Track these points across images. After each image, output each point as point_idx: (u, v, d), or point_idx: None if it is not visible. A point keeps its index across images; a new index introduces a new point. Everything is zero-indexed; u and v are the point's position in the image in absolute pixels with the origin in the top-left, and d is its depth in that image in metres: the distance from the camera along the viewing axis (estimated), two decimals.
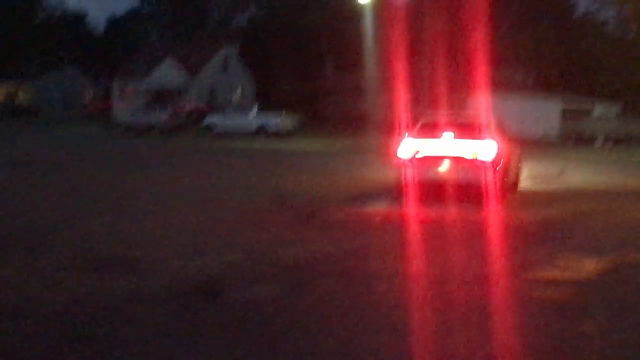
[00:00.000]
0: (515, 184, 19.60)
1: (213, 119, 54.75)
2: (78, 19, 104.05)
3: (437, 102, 64.28)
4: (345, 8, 77.87)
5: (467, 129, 17.05)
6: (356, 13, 65.14)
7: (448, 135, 16.79)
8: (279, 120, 52.66)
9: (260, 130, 51.93)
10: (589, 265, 10.48)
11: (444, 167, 16.62)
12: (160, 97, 74.30)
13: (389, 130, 56.79)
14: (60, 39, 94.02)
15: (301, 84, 70.96)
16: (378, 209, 16.34)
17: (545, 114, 59.49)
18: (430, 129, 17.27)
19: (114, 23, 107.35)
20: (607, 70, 61.83)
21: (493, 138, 16.84)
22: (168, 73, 75.56)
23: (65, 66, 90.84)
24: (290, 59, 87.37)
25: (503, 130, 18.59)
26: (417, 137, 17.10)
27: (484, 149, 16.52)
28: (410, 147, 16.86)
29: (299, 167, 26.94)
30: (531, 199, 18.61)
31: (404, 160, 16.82)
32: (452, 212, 15.49)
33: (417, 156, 16.74)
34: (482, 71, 78.96)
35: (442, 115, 19.21)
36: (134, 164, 26.60)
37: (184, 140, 48.49)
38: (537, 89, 73.93)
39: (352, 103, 66.37)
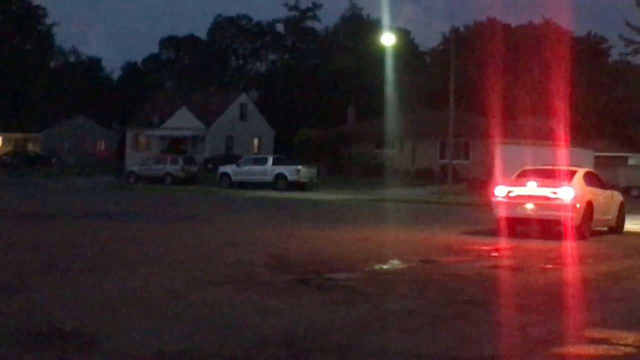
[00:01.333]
0: (618, 225, 22.63)
1: (227, 169, 52.09)
2: (93, 64, 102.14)
3: (466, 151, 61.51)
4: (368, 54, 75.40)
5: (553, 177, 20.80)
6: (380, 59, 62.24)
7: (537, 181, 20.39)
8: (297, 170, 49.74)
9: (278, 180, 49.23)
10: None
11: (531, 206, 19.98)
12: (175, 146, 71.79)
13: (414, 181, 54.43)
14: (74, 85, 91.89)
15: (322, 133, 67.99)
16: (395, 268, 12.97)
17: (578, 162, 56.08)
18: (523, 177, 21.33)
19: (130, 69, 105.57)
20: None
21: (572, 184, 20.19)
22: (183, 121, 72.94)
23: (77, 114, 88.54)
24: (310, 107, 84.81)
25: (596, 180, 22.33)
26: (512, 184, 20.95)
27: (563, 192, 19.75)
28: (505, 190, 20.58)
29: (311, 219, 23.71)
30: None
31: (499, 199, 20.46)
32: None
33: (510, 195, 20.33)
34: (514, 119, 75.97)
35: (535, 167, 23.18)
36: (135, 215, 23.63)
37: (196, 190, 45.92)
38: (570, 136, 70.56)
39: (375, 152, 63.29)
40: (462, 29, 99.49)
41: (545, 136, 66.57)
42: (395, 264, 14.16)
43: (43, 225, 19.62)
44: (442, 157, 59.54)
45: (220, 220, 22.58)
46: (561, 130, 76.28)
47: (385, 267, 13.68)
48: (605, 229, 22.08)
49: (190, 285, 10.95)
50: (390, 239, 18.95)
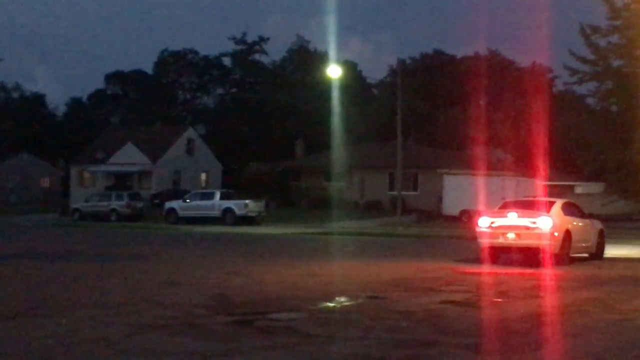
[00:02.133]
0: (598, 251, 23.91)
1: (174, 204, 51.27)
2: (37, 100, 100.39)
3: (415, 182, 61.37)
4: (316, 87, 75.30)
5: (532, 208, 22.27)
6: (327, 92, 62.01)
7: (518, 213, 21.69)
8: (245, 204, 49.07)
9: (226, 215, 48.52)
10: None
11: (512, 235, 21.34)
12: (121, 182, 70.65)
13: (364, 213, 54.03)
14: (17, 121, 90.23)
15: (270, 166, 67.44)
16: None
17: (526, 191, 56.30)
18: (505, 208, 22.84)
19: (75, 105, 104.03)
20: (589, 146, 58.93)
21: (551, 214, 21.50)
22: (129, 157, 71.84)
23: (22, 151, 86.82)
24: (258, 141, 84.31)
25: (575, 209, 23.66)
26: (494, 215, 22.31)
27: (542, 222, 21.10)
28: (487, 220, 21.87)
29: (257, 255, 23.10)
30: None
31: (483, 229, 21.73)
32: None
33: (493, 225, 21.60)
34: (462, 150, 76.16)
35: (516, 199, 25.89)
36: (73, 254, 22.81)
37: (142, 227, 45.04)
38: (517, 166, 70.89)
39: (324, 185, 62.87)
40: (408, 61, 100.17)
41: (493, 167, 66.81)
42: (342, 301, 13.64)
43: None
44: (391, 188, 59.32)
45: (162, 259, 21.83)
46: (510, 160, 76.79)
47: (331, 305, 13.15)
48: (586, 255, 23.45)
49: (123, 330, 10.29)
50: (339, 273, 18.47)
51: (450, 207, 56.24)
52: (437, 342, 9.75)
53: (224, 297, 13.63)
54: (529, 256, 21.32)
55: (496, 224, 21.57)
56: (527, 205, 22.91)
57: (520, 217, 21.40)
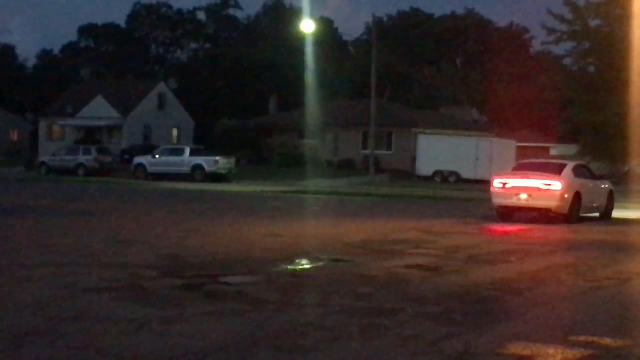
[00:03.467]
0: (607, 212, 25.13)
1: (143, 160, 50.32)
2: (6, 52, 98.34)
3: (389, 141, 60.59)
4: (290, 44, 74.11)
5: (545, 171, 23.51)
6: (302, 49, 60.88)
7: (531, 174, 23.07)
8: (215, 161, 48.20)
9: (195, 172, 47.66)
10: None
11: (524, 195, 22.55)
12: (90, 137, 69.40)
13: (337, 171, 53.27)
14: None
15: (243, 123, 66.39)
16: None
17: (500, 152, 55.90)
18: (518, 170, 24.30)
19: (47, 57, 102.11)
20: (565, 107, 58.46)
21: (562, 177, 22.78)
22: (99, 111, 70.45)
23: None
24: (232, 97, 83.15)
25: (586, 171, 25.12)
26: (507, 176, 23.50)
27: (554, 184, 22.41)
28: (501, 181, 23.14)
29: (223, 213, 22.30)
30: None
31: (496, 189, 23.02)
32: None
33: (507, 186, 22.84)
34: (437, 110, 75.45)
35: (531, 161, 27.20)
36: (29, 210, 21.90)
37: (109, 182, 44.08)
38: (492, 127, 70.39)
39: (297, 143, 61.99)
40: (385, 19, 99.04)
41: (468, 127, 66.22)
42: (303, 264, 12.91)
43: None
44: (364, 147, 58.58)
45: (120, 216, 20.97)
46: (484, 120, 76.21)
47: (290, 268, 12.40)
48: (597, 215, 24.73)
49: (59, 293, 9.49)
50: (304, 234, 17.71)
51: (424, 167, 55.69)
52: (398, 310, 9.03)
53: (177, 258, 12.85)
54: (539, 216, 22.87)
55: (510, 185, 22.85)
56: (540, 168, 24.18)
57: (533, 179, 22.71)
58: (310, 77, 58.93)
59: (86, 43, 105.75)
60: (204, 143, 61.46)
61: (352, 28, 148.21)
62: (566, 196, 22.40)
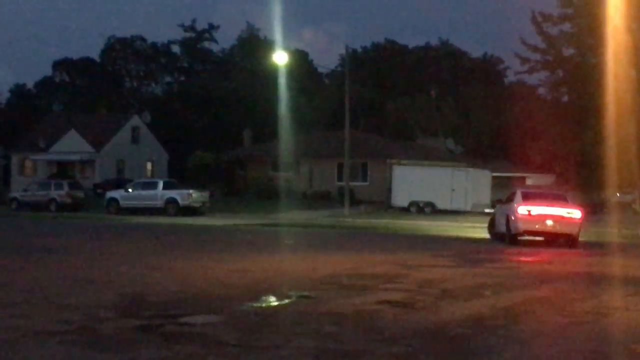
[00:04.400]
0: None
1: (116, 194, 49.63)
2: None
3: (364, 172, 60.20)
4: (264, 76, 73.85)
5: (559, 199, 26.97)
6: (276, 81, 60.52)
7: (551, 202, 26.19)
8: (188, 194, 47.61)
9: (168, 205, 47.02)
10: None
11: (550, 222, 25.50)
12: (63, 171, 68.59)
13: (311, 203, 52.70)
14: None
15: (217, 156, 65.84)
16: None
17: (476, 182, 55.72)
18: (531, 198, 26.87)
19: (20, 92, 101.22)
20: (539, 137, 58.52)
21: (576, 205, 26.70)
22: (72, 145, 69.70)
23: None
24: (205, 130, 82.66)
25: (571, 199, 28.01)
26: (531, 204, 26.00)
27: (575, 213, 25.81)
28: (527, 208, 25.66)
29: (190, 248, 21.70)
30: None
31: (521, 215, 25.45)
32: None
33: (532, 213, 25.49)
34: (412, 141, 75.27)
35: (537, 190, 31.67)
36: None
37: (80, 217, 43.40)
38: (467, 157, 70.25)
39: (271, 175, 61.48)
40: (360, 50, 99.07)
41: (443, 157, 66.01)
42: (269, 301, 12.35)
43: None
44: (339, 178, 58.12)
45: (84, 253, 20.28)
46: (460, 150, 76.08)
47: (255, 305, 11.84)
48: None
49: (4, 336, 8.89)
50: (272, 269, 17.15)
51: (399, 198, 55.29)
52: (364, 352, 8.51)
53: (137, 297, 12.25)
54: (555, 241, 26.09)
55: (535, 212, 25.52)
56: (547, 196, 27.55)
57: (557, 207, 25.81)
58: (283, 108, 58.56)
59: (60, 77, 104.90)
60: (178, 176, 60.86)
61: (327, 60, 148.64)
62: (581, 223, 25.73)
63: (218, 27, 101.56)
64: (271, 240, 27.78)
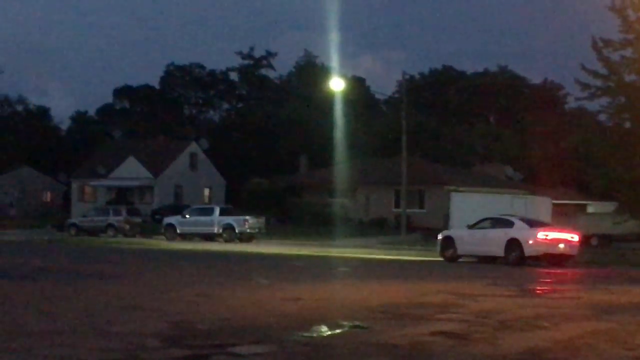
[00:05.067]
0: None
1: (173, 220, 49.85)
2: (40, 114, 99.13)
3: (421, 199, 59.64)
4: (321, 102, 73.90)
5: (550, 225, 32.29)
6: (332, 108, 60.47)
7: (557, 228, 30.83)
8: (244, 220, 47.61)
9: (225, 232, 47.13)
10: None
11: (562, 245, 29.20)
12: (122, 197, 69.34)
13: (368, 230, 52.31)
14: (19, 135, 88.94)
15: (273, 182, 65.89)
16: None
17: (536, 210, 54.64)
18: (541, 225, 31.13)
19: (80, 119, 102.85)
20: (600, 164, 57.19)
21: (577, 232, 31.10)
22: (130, 171, 70.52)
23: (22, 165, 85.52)
24: (262, 156, 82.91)
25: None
26: (547, 230, 30.01)
27: (576, 236, 30.03)
28: (545, 233, 29.26)
29: (243, 276, 21.46)
30: None
31: (541, 239, 28.85)
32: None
33: (548, 237, 29.01)
34: (469, 167, 74.50)
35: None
36: (45, 272, 21.16)
37: (137, 243, 43.61)
38: (527, 185, 69.23)
39: (327, 201, 61.23)
40: (417, 77, 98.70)
41: (502, 184, 65.15)
42: (320, 331, 12.01)
43: None
44: (396, 206, 57.62)
45: (137, 279, 20.21)
46: (519, 177, 75.07)
47: (306, 335, 11.52)
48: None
49: None
50: (325, 298, 16.80)
51: (458, 225, 54.46)
52: None
53: (186, 325, 12.01)
54: (558, 261, 29.24)
55: (550, 237, 29.03)
56: (539, 222, 32.22)
57: (564, 232, 29.86)
58: (340, 135, 58.43)
59: (121, 104, 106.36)
60: (235, 202, 61.02)
61: (384, 86, 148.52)
62: (579, 245, 30.40)
63: (276, 54, 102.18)
64: (323, 267, 27.47)
